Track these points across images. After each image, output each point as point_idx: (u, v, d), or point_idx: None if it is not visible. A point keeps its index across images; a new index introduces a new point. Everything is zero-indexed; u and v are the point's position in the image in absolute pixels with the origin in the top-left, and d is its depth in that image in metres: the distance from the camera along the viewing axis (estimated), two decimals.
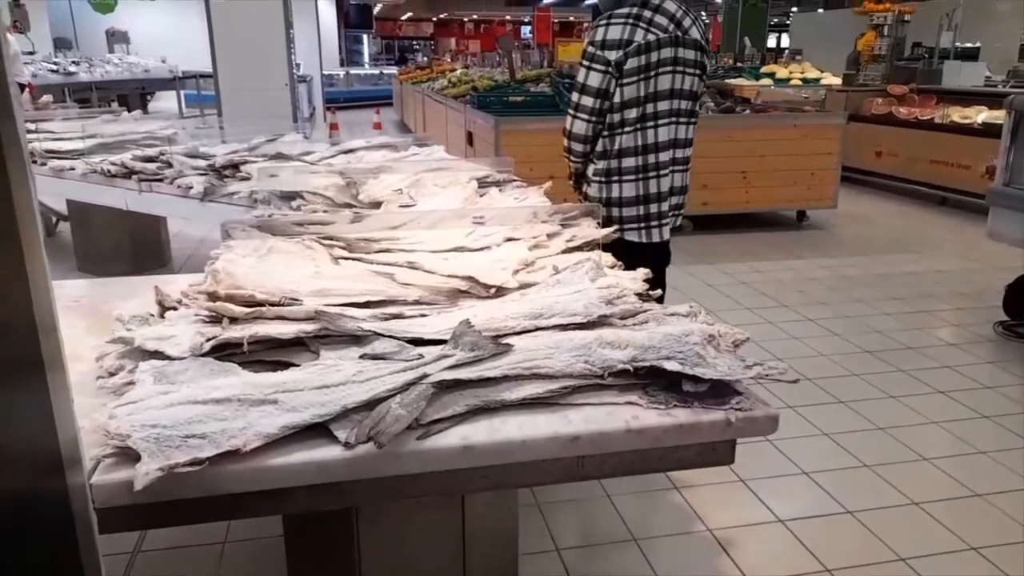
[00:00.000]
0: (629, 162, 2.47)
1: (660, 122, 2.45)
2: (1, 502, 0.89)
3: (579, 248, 1.94)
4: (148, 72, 12.61)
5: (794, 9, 20.26)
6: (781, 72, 9.99)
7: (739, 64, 11.54)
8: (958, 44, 9.36)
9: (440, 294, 1.69)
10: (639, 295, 1.52)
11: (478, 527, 1.42)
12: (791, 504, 2.33)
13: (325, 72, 14.75)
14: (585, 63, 2.43)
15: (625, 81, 2.38)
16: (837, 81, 9.47)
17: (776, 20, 21.40)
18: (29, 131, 4.04)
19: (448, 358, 1.24)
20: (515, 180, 2.78)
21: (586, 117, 2.46)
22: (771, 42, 19.79)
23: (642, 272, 1.78)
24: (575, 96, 2.48)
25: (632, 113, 2.41)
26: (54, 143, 3.93)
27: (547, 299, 1.47)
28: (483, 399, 1.19)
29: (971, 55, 10.20)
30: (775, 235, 5.73)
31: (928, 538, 2.18)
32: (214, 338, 1.29)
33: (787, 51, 13.53)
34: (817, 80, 9.68)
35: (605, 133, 2.48)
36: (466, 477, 1.15)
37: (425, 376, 1.19)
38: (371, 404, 1.14)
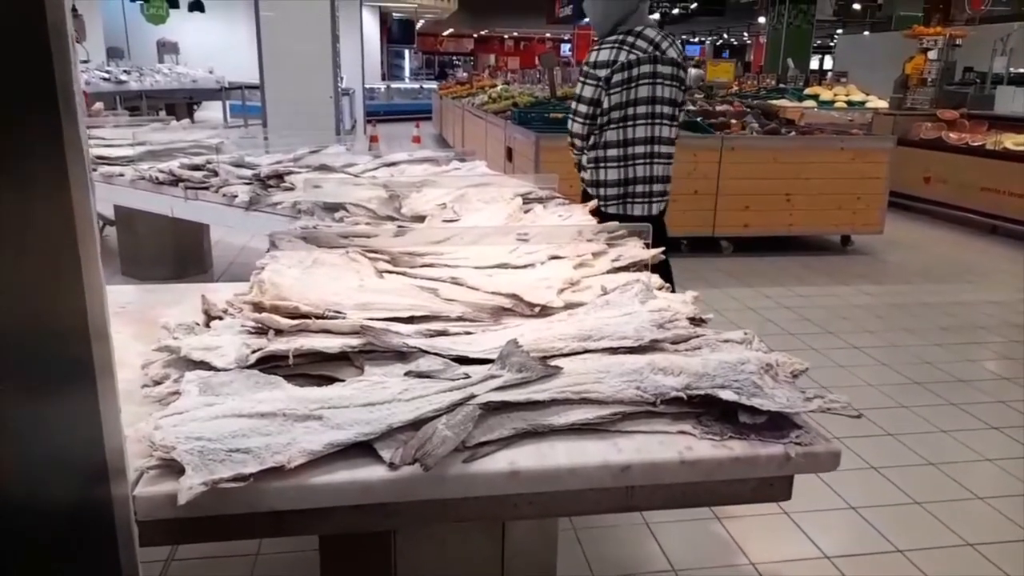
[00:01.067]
0: (612, 152, 3.15)
1: (639, 122, 3.13)
2: (45, 510, 0.87)
3: (625, 268, 1.90)
4: (196, 82, 12.89)
5: (839, 31, 20.03)
6: (825, 94, 9.85)
7: (782, 85, 11.41)
8: (1012, 69, 9.13)
9: (483, 311, 1.66)
10: (691, 320, 1.48)
11: (517, 552, 1.38)
12: (838, 540, 2.25)
13: (367, 86, 14.95)
14: (581, 79, 3.19)
15: (612, 91, 3.07)
16: (883, 104, 9.30)
17: (820, 42, 21.19)
18: None
19: (495, 379, 1.21)
20: (558, 197, 2.76)
21: (581, 120, 3.18)
22: (814, 63, 19.58)
23: (691, 295, 1.74)
24: (574, 104, 3.24)
25: (616, 114, 3.10)
26: (104, 150, 4.01)
27: (596, 321, 1.44)
28: (531, 423, 1.15)
29: None
30: (819, 259, 5.61)
31: None
32: (259, 350, 1.27)
33: (831, 73, 13.36)
34: (863, 103, 9.52)
35: (596, 131, 3.17)
36: (512, 503, 1.11)
37: (472, 397, 1.16)
38: (417, 424, 1.11)
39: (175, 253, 4.40)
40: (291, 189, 3.09)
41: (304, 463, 1.03)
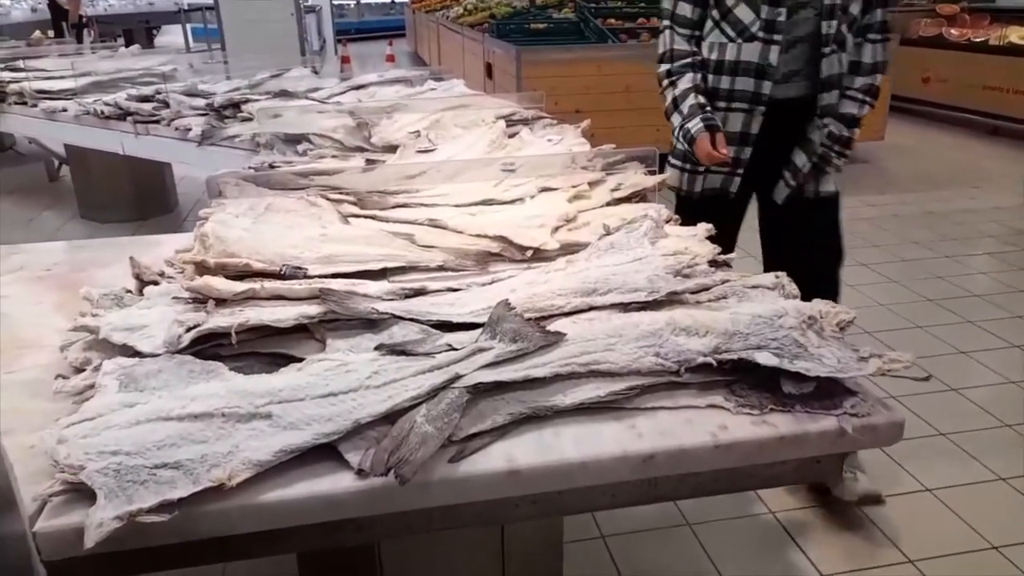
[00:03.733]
0: None
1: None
2: None
3: (627, 199, 1.67)
4: (152, 4, 12.12)
5: None
6: None
7: None
8: None
9: (467, 257, 1.43)
10: (712, 263, 1.26)
11: (519, 555, 1.20)
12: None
13: (335, 1, 14.15)
14: None
15: None
16: None
17: None
18: (18, 69, 3.76)
19: (485, 352, 0.99)
20: (545, 117, 2.48)
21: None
22: None
23: (704, 228, 1.51)
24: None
25: None
26: (45, 83, 3.66)
27: (601, 270, 1.21)
28: (530, 405, 0.94)
29: None
30: None
31: (1019, 519, 1.96)
32: (196, 327, 1.05)
33: None
34: None
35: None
36: (511, 504, 0.92)
37: (457, 378, 0.95)
38: (391, 416, 0.90)
39: (135, 192, 4.09)
40: (249, 119, 2.79)
41: (250, 477, 0.82)
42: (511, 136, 2.12)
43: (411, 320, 1.11)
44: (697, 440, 0.92)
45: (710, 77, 1.96)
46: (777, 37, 1.85)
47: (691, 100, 1.96)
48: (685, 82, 1.98)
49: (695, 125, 1.94)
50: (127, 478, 0.80)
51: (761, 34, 1.86)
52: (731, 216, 2.10)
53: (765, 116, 1.92)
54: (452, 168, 1.85)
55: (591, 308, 1.13)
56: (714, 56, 1.95)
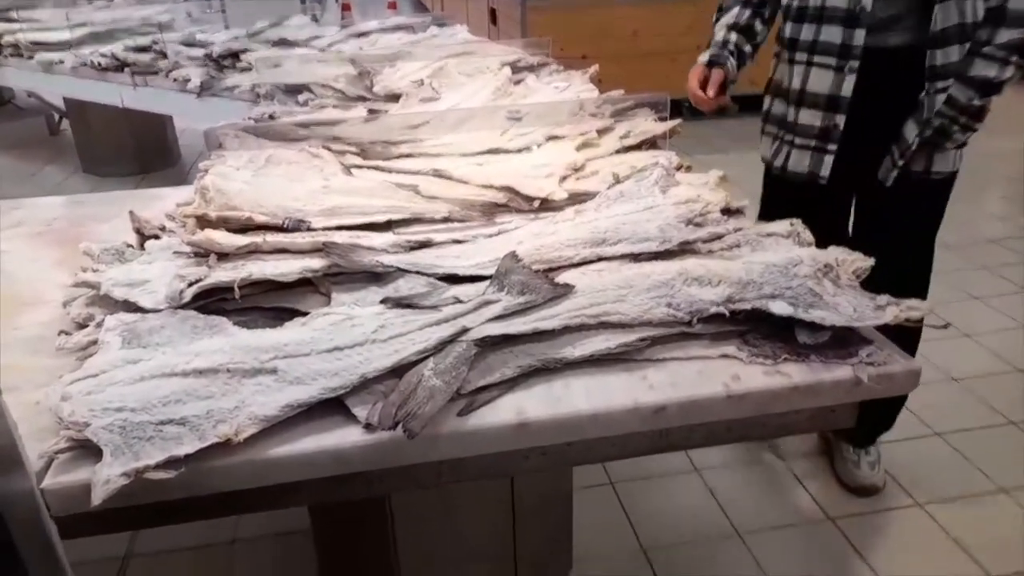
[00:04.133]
0: None
1: None
2: None
3: (637, 147, 1.62)
4: None
5: None
6: None
7: None
8: None
9: (473, 208, 1.41)
10: (725, 212, 1.22)
11: (529, 502, 1.20)
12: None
13: None
14: None
15: None
16: None
17: None
18: (12, 20, 3.68)
19: (492, 305, 0.97)
20: (550, 63, 2.42)
21: None
22: None
23: (715, 175, 1.47)
24: None
25: None
26: (40, 34, 3.58)
27: (610, 220, 1.18)
28: (539, 358, 0.93)
29: None
30: None
31: None
32: (198, 281, 1.03)
33: None
34: None
35: None
36: (521, 456, 0.91)
37: (464, 331, 0.93)
38: (398, 370, 0.89)
39: (136, 146, 4.04)
40: (249, 70, 2.73)
41: (257, 432, 0.81)
42: (516, 83, 2.07)
43: (417, 273, 1.09)
44: (709, 391, 0.90)
45: (789, 25, 1.61)
46: None
47: (719, 35, 1.75)
48: (728, 18, 1.76)
49: (701, 58, 1.73)
50: (133, 435, 0.79)
51: None
52: (830, 208, 1.72)
53: (860, 73, 1.50)
54: (457, 117, 1.81)
55: (600, 259, 1.11)
56: (794, 4, 1.58)
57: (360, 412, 0.85)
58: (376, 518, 1.16)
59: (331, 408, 0.86)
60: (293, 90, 2.27)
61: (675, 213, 1.17)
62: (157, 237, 1.25)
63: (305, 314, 1.02)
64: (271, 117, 1.89)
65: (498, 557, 1.27)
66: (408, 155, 1.60)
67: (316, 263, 1.07)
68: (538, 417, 0.87)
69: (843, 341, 0.96)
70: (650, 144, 1.66)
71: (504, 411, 0.87)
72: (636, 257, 1.10)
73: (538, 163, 1.54)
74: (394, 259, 1.11)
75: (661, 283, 1.01)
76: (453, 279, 1.08)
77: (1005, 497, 1.82)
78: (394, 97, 2.13)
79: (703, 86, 1.72)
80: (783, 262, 1.05)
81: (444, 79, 2.03)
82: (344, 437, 0.83)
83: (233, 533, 1.75)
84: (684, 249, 1.11)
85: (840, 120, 1.57)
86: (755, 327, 1.00)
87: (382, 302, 1.01)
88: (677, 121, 1.65)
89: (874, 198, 1.68)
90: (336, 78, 2.25)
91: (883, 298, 0.99)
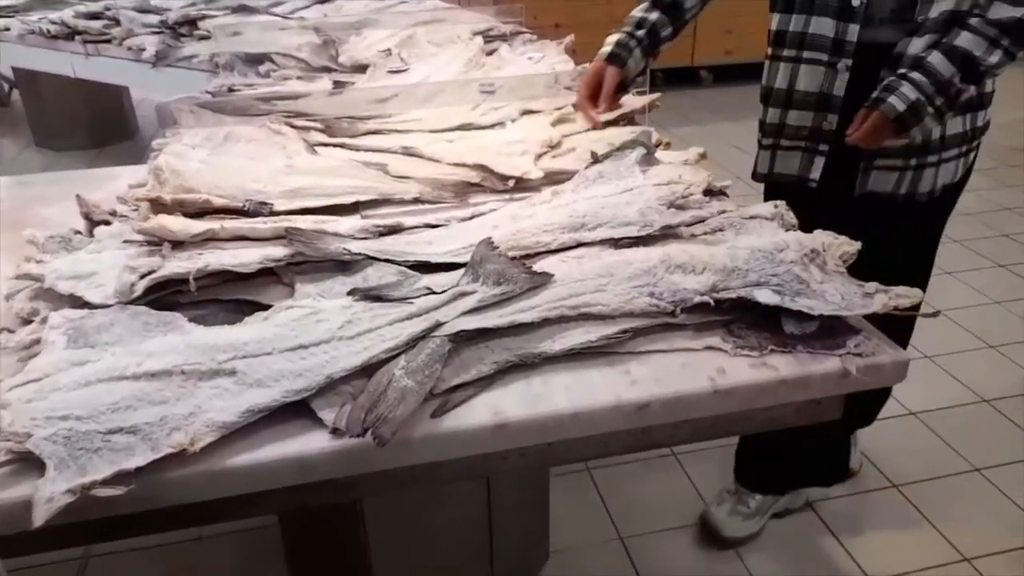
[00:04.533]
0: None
1: None
2: None
3: (614, 122, 1.57)
4: None
5: None
6: None
7: None
8: None
9: (445, 189, 1.35)
10: (707, 192, 1.18)
11: (506, 502, 1.16)
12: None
13: None
14: None
15: None
16: None
17: None
18: None
19: (467, 297, 0.92)
20: (524, 32, 2.34)
21: None
22: None
23: (694, 152, 1.43)
24: None
25: None
26: None
27: (589, 202, 1.13)
28: (517, 353, 0.88)
29: None
30: None
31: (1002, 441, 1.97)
32: (150, 273, 0.96)
33: None
34: None
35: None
36: (499, 458, 0.86)
37: (438, 325, 0.88)
38: (367, 369, 0.83)
39: (90, 118, 3.88)
40: (207, 38, 2.60)
41: (215, 440, 0.76)
42: (489, 54, 2.00)
43: (386, 261, 1.03)
44: (694, 386, 0.87)
45: (776, 17, 1.41)
46: None
47: (636, 13, 1.50)
48: None
49: (604, 47, 1.48)
50: (79, 446, 0.73)
51: None
52: (824, 220, 1.22)
53: (852, 72, 1.31)
54: (427, 91, 1.73)
55: (580, 245, 1.06)
56: None
57: (326, 415, 0.79)
58: (347, 516, 1.11)
59: (295, 411, 0.80)
60: (254, 60, 2.17)
61: (656, 195, 1.12)
62: (107, 223, 1.17)
63: (267, 307, 0.96)
64: (230, 90, 1.80)
65: (474, 550, 1.23)
66: (376, 131, 1.53)
67: (278, 251, 1.01)
68: (517, 417, 0.82)
69: (830, 331, 0.93)
70: (628, 120, 1.60)
71: (480, 411, 0.83)
72: (616, 243, 1.05)
73: (512, 140, 1.48)
74: (362, 246, 1.05)
75: (643, 271, 0.96)
76: (425, 267, 1.03)
77: (979, 477, 1.83)
78: (361, 68, 2.04)
79: (595, 92, 1.48)
80: (769, 247, 1.01)
81: (413, 49, 1.95)
82: (309, 443, 0.78)
83: (199, 530, 1.70)
84: (666, 234, 1.06)
85: (833, 120, 1.37)
86: (740, 316, 0.96)
87: (349, 293, 0.96)
88: (656, 95, 1.59)
89: (842, 216, 1.18)
90: (299, 47, 2.15)
91: (871, 285, 0.96)
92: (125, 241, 1.03)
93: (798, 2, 1.35)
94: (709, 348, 0.92)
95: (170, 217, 1.12)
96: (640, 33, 1.49)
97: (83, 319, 0.89)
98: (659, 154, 1.39)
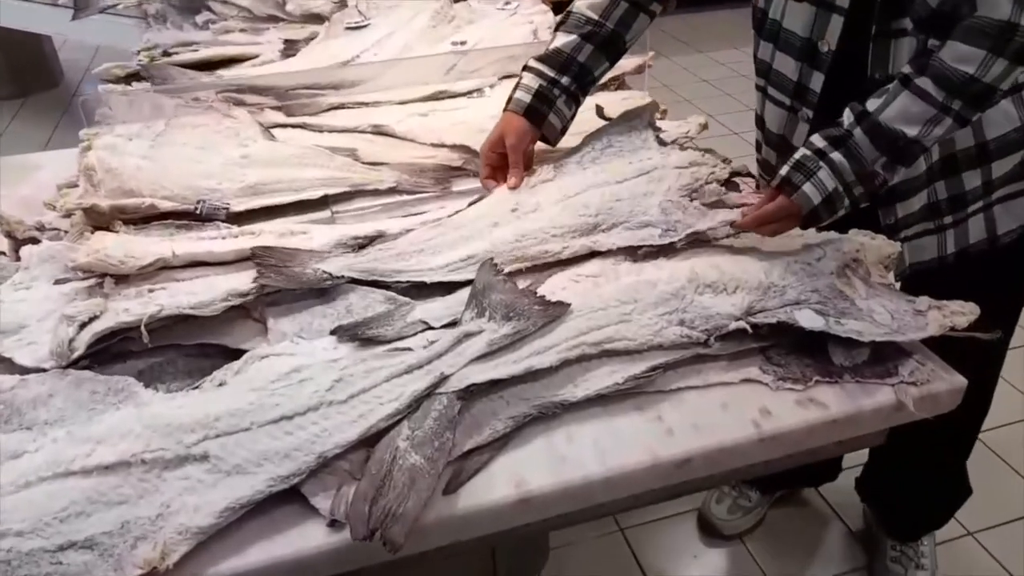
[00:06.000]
0: None
1: None
2: None
3: (603, 86, 1.41)
4: None
5: None
6: None
7: None
8: None
9: (424, 175, 1.21)
10: (728, 181, 1.04)
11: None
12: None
13: None
14: None
15: None
16: None
17: None
18: None
19: (474, 338, 0.79)
20: None
21: None
22: None
23: (695, 122, 1.30)
24: None
25: None
26: None
27: (601, 194, 0.99)
28: (535, 404, 0.76)
29: None
30: None
31: None
32: (93, 319, 0.80)
33: None
34: None
35: None
36: (521, 528, 0.76)
37: (443, 378, 0.75)
38: (366, 439, 0.71)
39: (8, 65, 3.51)
40: None
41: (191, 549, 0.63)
42: (456, 1, 1.79)
43: (372, 282, 0.89)
44: (738, 433, 0.76)
45: (753, 34, 1.13)
46: (842, 1, 0.96)
47: (562, 44, 1.10)
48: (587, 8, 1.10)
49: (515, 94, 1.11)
50: (22, 572, 0.60)
51: None
52: None
53: (814, 123, 1.04)
54: (391, 49, 1.55)
55: (593, 252, 0.93)
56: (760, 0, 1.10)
57: (322, 503, 0.67)
58: None
59: (283, 495, 0.68)
60: (189, 8, 1.92)
61: (678, 184, 0.99)
62: (35, 240, 1.00)
63: (235, 351, 0.83)
64: (165, 54, 1.58)
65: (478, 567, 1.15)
66: (340, 106, 1.35)
67: (243, 283, 0.86)
68: (542, 488, 0.71)
69: (880, 353, 0.83)
70: (619, 84, 1.45)
71: (500, 481, 0.71)
72: (636, 251, 0.92)
73: (494, 112, 1.31)
74: (343, 264, 0.91)
75: (670, 294, 0.84)
76: (420, 287, 0.89)
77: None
78: (312, 17, 1.82)
79: (502, 159, 1.09)
80: (804, 256, 0.90)
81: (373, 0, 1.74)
82: (304, 539, 0.66)
83: None
84: (692, 238, 0.93)
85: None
86: (777, 339, 0.85)
87: (333, 332, 0.82)
88: (650, 54, 1.44)
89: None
90: None
91: (922, 300, 0.86)
92: (58, 281, 0.86)
93: (766, 28, 1.08)
94: (747, 381, 0.82)
95: (110, 236, 0.96)
96: (565, 80, 1.09)
97: (14, 390, 0.73)
98: (668, 126, 1.26)
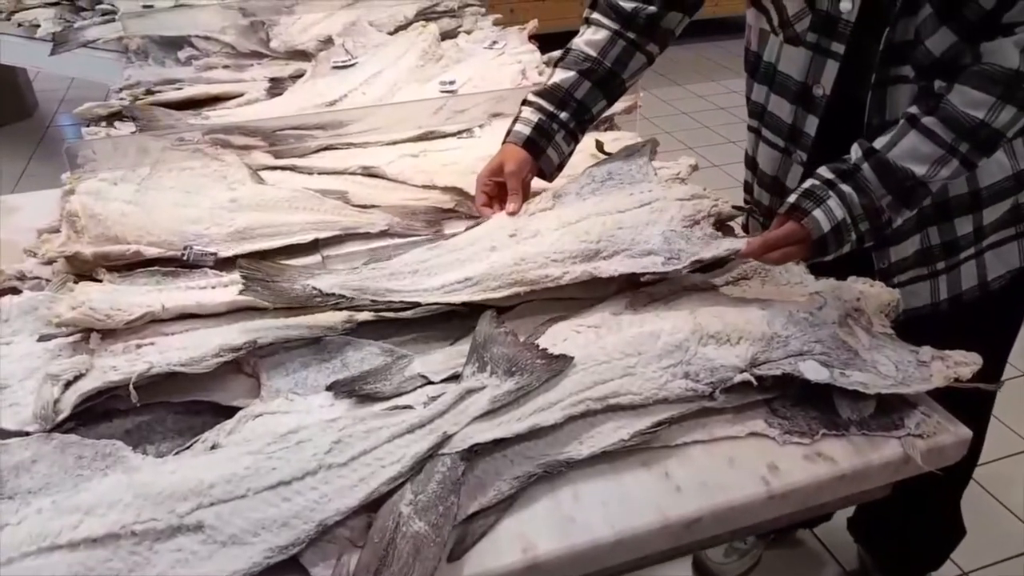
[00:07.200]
0: None
1: None
2: None
3: (595, 127, 1.41)
4: None
5: None
6: None
7: None
8: None
9: (416, 218, 1.19)
10: (720, 223, 1.03)
11: None
12: None
13: None
14: None
15: None
16: None
17: None
18: None
19: (476, 395, 0.77)
20: (473, 4, 2.13)
21: None
22: None
23: (685, 164, 1.30)
24: None
25: None
26: None
27: (603, 222, 0.98)
28: (539, 463, 0.74)
29: None
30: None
31: None
32: (78, 378, 0.77)
33: None
34: None
35: None
36: None
37: (446, 439, 0.73)
38: (367, 504, 0.68)
39: None
40: (113, 15, 2.29)
41: None
42: (445, 38, 1.79)
43: (371, 302, 0.87)
44: (747, 491, 0.75)
45: (746, 76, 1.14)
46: (838, 46, 0.95)
47: (561, 79, 1.10)
48: (586, 46, 1.11)
49: (515, 127, 1.11)
50: None
51: (811, 36, 0.98)
52: None
53: (807, 167, 1.03)
54: (380, 88, 1.54)
55: (594, 277, 0.92)
56: (753, 43, 1.11)
57: (323, 574, 0.65)
58: None
59: (282, 569, 0.65)
60: (170, 44, 1.91)
61: (680, 214, 0.98)
62: (16, 291, 0.96)
63: (227, 408, 0.80)
64: (148, 92, 1.55)
65: None
66: (329, 147, 1.34)
67: (236, 337, 0.83)
68: (550, 552, 0.69)
69: (885, 405, 0.83)
70: (608, 124, 1.45)
71: (506, 546, 0.69)
72: (639, 278, 0.91)
73: (484, 154, 1.30)
74: (335, 282, 0.89)
75: (674, 346, 0.83)
76: (415, 307, 0.87)
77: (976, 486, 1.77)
78: (297, 54, 1.81)
79: (500, 188, 1.09)
80: (806, 306, 0.89)
81: (358, 37, 1.73)
82: None
83: None
84: (691, 287, 0.92)
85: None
86: (782, 391, 0.84)
87: (329, 388, 0.80)
88: (639, 95, 1.44)
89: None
90: (223, 29, 1.90)
91: (925, 351, 0.85)
92: (42, 337, 0.83)
93: (761, 71, 1.08)
94: (754, 435, 0.81)
95: (94, 287, 0.93)
96: (564, 116, 1.09)
97: None
98: (662, 166, 1.26)
